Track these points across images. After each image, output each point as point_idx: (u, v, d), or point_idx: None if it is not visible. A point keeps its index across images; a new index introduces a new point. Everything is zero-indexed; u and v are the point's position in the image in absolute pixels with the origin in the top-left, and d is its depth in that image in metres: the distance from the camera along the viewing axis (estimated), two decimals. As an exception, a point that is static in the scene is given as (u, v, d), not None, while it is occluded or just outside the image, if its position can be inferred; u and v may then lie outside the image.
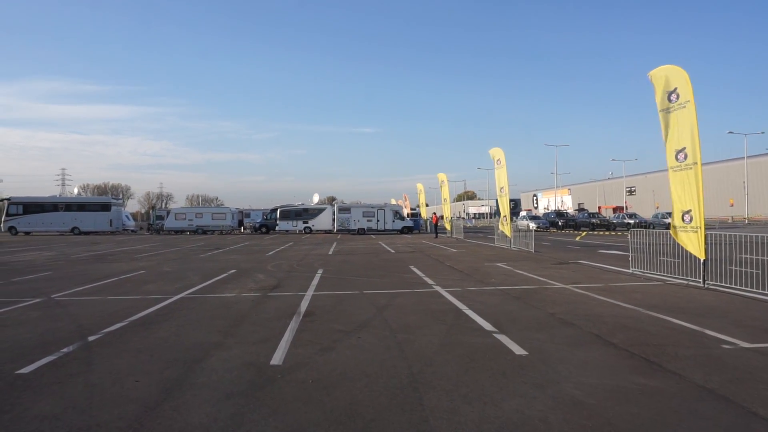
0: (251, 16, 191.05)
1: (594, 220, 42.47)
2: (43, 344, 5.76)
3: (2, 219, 42.40)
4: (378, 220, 39.98)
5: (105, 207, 43.54)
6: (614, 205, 74.82)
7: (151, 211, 59.64)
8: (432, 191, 76.02)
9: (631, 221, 38.42)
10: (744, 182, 54.91)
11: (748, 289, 8.68)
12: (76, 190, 66.35)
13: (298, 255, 18.70)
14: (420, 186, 51.38)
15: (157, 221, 47.02)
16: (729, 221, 50.72)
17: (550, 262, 14.88)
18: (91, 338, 6.03)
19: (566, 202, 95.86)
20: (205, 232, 42.89)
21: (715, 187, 60.27)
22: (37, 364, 4.98)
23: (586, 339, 5.81)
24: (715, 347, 5.37)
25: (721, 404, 3.80)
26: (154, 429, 3.45)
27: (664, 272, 10.84)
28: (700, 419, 3.54)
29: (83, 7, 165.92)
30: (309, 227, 41.05)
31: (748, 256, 9.13)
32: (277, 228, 41.42)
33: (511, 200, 22.61)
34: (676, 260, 10.68)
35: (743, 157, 56.54)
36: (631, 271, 11.80)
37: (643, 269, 11.51)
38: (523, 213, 58.86)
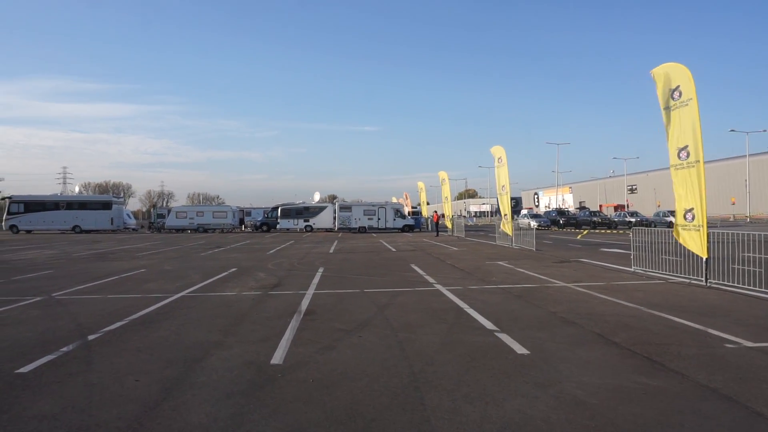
0: (252, 15, 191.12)
1: (595, 219, 42.41)
2: (42, 343, 5.74)
3: (4, 217, 42.43)
4: (379, 219, 39.96)
5: (106, 205, 43.50)
6: (615, 204, 74.69)
7: (152, 210, 59.58)
8: (433, 189, 75.99)
9: (633, 219, 38.32)
10: (746, 180, 54.79)
11: (751, 287, 8.64)
12: (77, 189, 66.48)
13: (298, 253, 18.68)
14: (421, 184, 51.41)
15: (158, 220, 46.96)
16: (730, 219, 50.62)
17: (551, 260, 14.84)
18: (91, 337, 6.02)
19: (567, 201, 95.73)
20: (206, 231, 42.88)
21: (717, 185, 60.20)
22: (37, 363, 4.96)
23: (588, 338, 5.78)
24: (719, 346, 5.34)
25: (724, 404, 3.77)
26: (154, 429, 3.43)
27: (666, 271, 10.80)
28: (704, 419, 3.50)
29: (84, 5, 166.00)
30: (310, 225, 41.03)
31: (751, 254, 9.09)
32: (278, 226, 41.44)
33: (512, 198, 22.58)
34: (678, 259, 10.63)
35: (745, 156, 56.39)
36: (632, 269, 11.76)
37: (645, 268, 11.47)
38: (524, 211, 58.85)
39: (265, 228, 43.23)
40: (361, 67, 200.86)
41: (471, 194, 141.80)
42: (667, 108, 10.13)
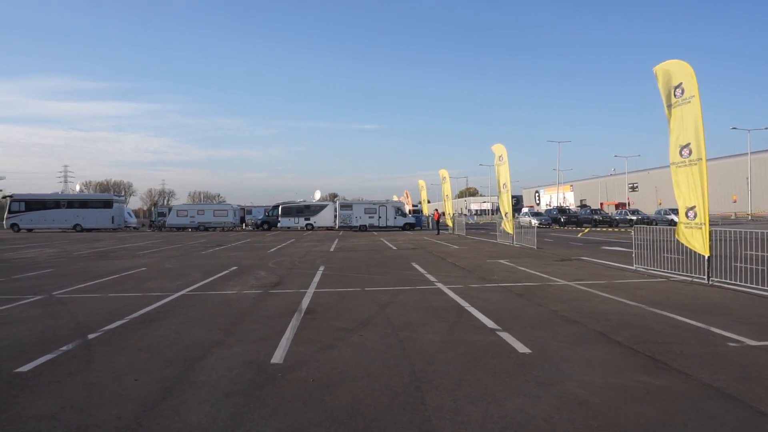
0: (252, 13, 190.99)
1: (596, 217, 42.30)
2: (42, 342, 5.72)
3: (5, 216, 42.46)
4: (380, 217, 39.93)
5: (107, 204, 43.50)
6: (617, 202, 74.58)
7: (152, 208, 59.63)
8: (434, 188, 75.96)
9: (634, 218, 38.25)
10: (747, 178, 54.69)
11: (753, 285, 8.60)
12: (78, 187, 66.32)
13: (299, 252, 18.66)
14: (422, 182, 51.40)
15: (159, 218, 46.94)
16: (732, 217, 50.53)
17: (552, 258, 14.81)
18: (90, 336, 6.00)
19: (568, 199, 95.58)
20: (206, 229, 42.88)
21: (718, 183, 59.98)
22: (36, 362, 4.94)
23: (590, 337, 5.75)
24: (721, 345, 5.30)
25: (728, 403, 3.74)
26: (153, 429, 3.40)
27: (667, 269, 10.76)
28: (708, 419, 3.47)
29: (84, 4, 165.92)
30: (311, 224, 41.01)
31: (753, 252, 9.05)
32: (278, 225, 41.40)
33: (513, 197, 22.52)
34: (680, 257, 10.59)
35: (746, 153, 56.26)
36: (634, 267, 11.72)
37: (647, 266, 11.43)
38: (525, 209, 58.64)
39: (265, 226, 43.21)
40: (361, 65, 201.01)
41: (472, 192, 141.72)
42: (670, 105, 10.08)
